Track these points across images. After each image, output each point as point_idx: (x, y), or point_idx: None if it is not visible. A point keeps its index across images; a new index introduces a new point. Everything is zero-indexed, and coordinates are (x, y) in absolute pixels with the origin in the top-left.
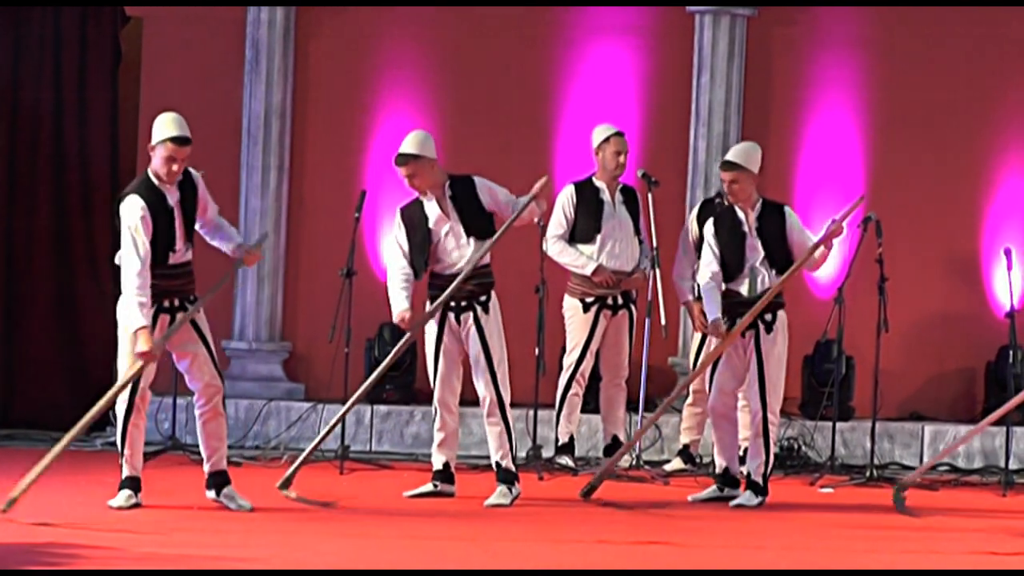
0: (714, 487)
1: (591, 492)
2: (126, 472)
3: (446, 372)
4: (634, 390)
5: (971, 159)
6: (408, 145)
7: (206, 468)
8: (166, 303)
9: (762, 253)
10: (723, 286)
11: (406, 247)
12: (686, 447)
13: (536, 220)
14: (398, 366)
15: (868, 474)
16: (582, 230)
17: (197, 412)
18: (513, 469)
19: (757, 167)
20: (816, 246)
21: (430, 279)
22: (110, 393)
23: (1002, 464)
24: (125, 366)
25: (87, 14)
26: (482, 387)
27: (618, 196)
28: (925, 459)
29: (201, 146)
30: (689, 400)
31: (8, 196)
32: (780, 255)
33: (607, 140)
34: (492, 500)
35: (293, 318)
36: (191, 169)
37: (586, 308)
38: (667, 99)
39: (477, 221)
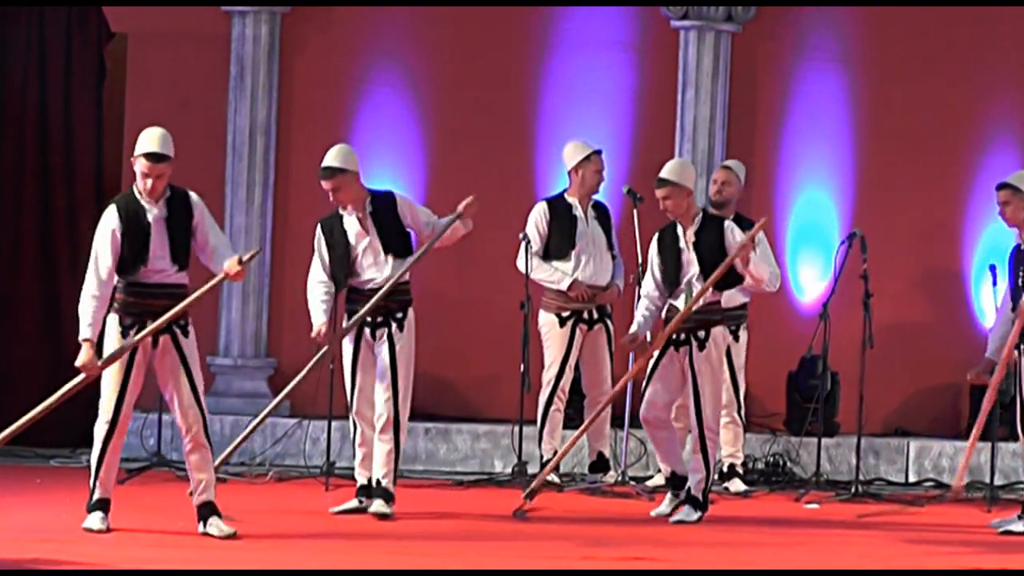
0: (669, 496)
1: (533, 496)
2: (98, 494)
3: (363, 386)
4: (619, 406)
5: (957, 174)
6: (333, 159)
7: (195, 500)
8: (149, 322)
9: (697, 268)
10: (663, 302)
11: (327, 260)
12: None
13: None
14: None
15: (853, 490)
16: (556, 246)
17: (183, 442)
18: (391, 490)
19: (691, 182)
20: (723, 269)
21: (348, 294)
22: (51, 399)
23: (987, 480)
24: (109, 377)
25: (72, 31)
26: (381, 403)
27: (590, 212)
28: (911, 475)
29: (186, 162)
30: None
31: None
32: (715, 269)
33: (588, 159)
34: (376, 509)
35: (278, 334)
36: (191, 193)
37: (562, 323)
38: (652, 115)
39: (396, 238)
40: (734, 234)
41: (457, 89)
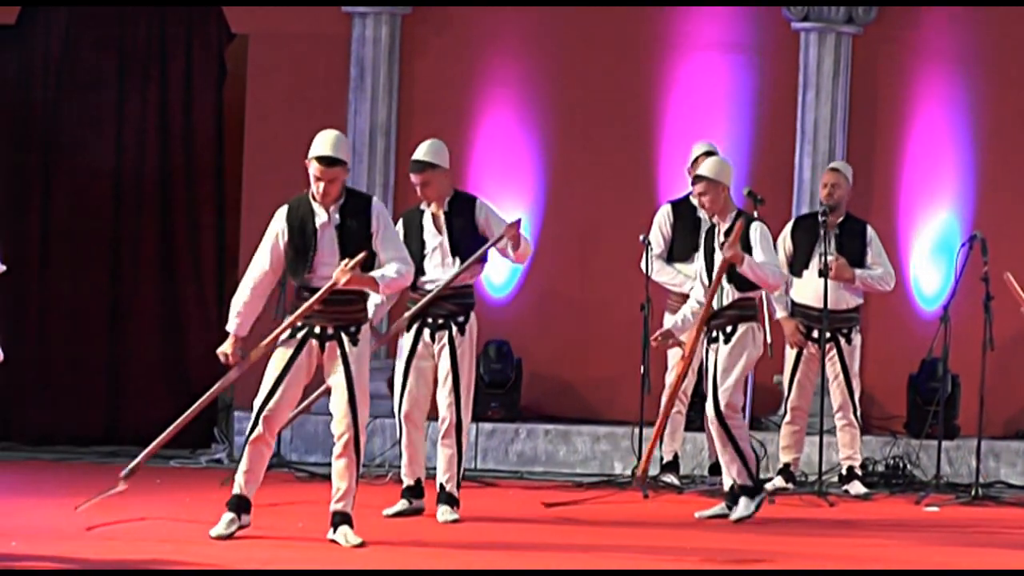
0: (723, 504)
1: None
2: (235, 490)
3: (415, 388)
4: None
5: None
6: (425, 153)
7: (331, 507)
8: (317, 329)
9: None
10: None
11: None
12: (787, 465)
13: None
14: (503, 384)
15: (974, 493)
16: (680, 249)
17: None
18: (455, 495)
19: (728, 179)
20: (719, 273)
21: (411, 290)
22: (204, 399)
23: None
24: (267, 375)
25: (193, 31)
26: (444, 407)
27: None
28: None
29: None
30: (787, 418)
31: (114, 213)
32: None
33: (694, 161)
34: (444, 517)
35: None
36: (374, 200)
37: None
38: (772, 116)
39: (467, 242)
40: (758, 234)
41: (577, 90)
